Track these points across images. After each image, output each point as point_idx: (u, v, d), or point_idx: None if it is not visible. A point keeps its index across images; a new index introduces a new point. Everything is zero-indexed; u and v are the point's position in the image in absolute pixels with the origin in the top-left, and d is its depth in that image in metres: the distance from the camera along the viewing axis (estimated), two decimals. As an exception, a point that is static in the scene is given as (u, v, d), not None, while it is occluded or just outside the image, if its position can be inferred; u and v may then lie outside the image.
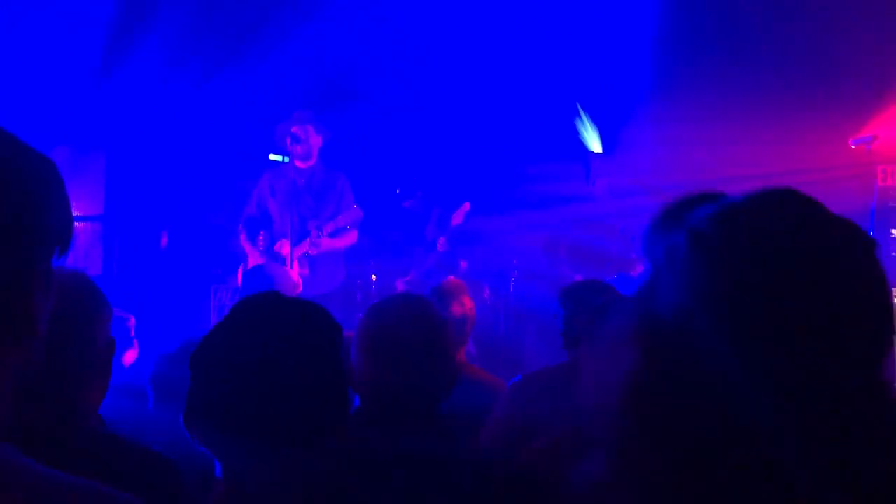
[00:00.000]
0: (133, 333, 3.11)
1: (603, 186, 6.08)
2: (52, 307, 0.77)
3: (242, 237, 5.25)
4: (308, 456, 1.24)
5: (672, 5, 6.11)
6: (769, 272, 0.69)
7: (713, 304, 0.70)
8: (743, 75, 5.97)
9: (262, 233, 5.24)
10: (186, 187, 6.23)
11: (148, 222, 6.23)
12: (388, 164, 6.68)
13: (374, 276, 5.83)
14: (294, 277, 4.30)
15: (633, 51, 6.37)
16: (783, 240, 0.71)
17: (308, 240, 5.02)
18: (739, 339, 0.68)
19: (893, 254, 5.27)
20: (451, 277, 3.69)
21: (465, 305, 3.30)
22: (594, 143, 6.70)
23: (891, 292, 0.74)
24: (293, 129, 5.07)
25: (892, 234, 5.30)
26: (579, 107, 6.70)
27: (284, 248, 5.03)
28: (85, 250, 6.19)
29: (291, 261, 4.94)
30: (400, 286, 5.84)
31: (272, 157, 5.52)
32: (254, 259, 5.12)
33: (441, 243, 6.02)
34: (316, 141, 5.16)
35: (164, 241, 6.15)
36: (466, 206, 6.05)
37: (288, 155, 5.20)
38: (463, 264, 6.03)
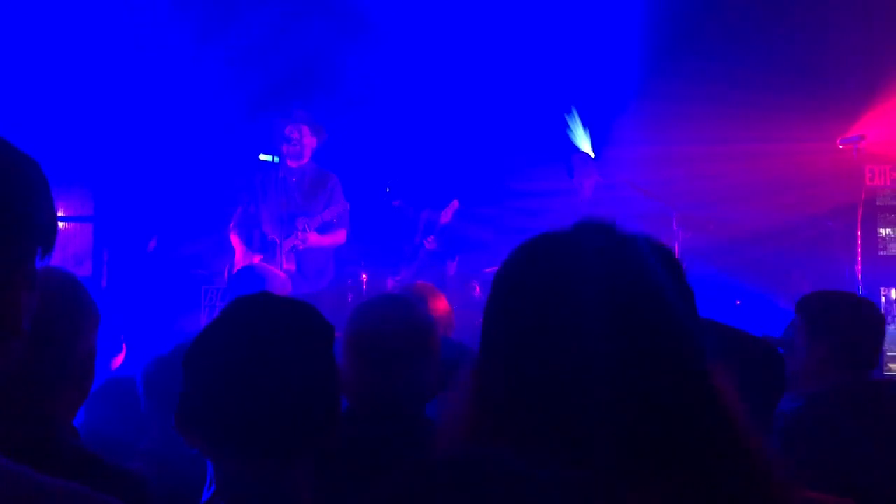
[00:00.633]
0: (122, 337, 3.09)
1: (592, 186, 6.09)
2: (36, 308, 0.77)
3: (232, 236, 5.24)
4: (300, 458, 1.24)
5: (660, 7, 6.14)
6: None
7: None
8: (731, 76, 5.99)
9: (252, 232, 5.23)
10: (177, 187, 6.20)
11: (138, 222, 6.20)
12: (378, 163, 6.67)
13: (364, 276, 5.82)
14: (283, 277, 4.29)
15: (622, 52, 6.39)
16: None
17: (294, 235, 5.01)
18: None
19: (881, 252, 5.30)
20: (419, 282, 3.68)
21: (436, 309, 3.30)
22: (584, 144, 6.72)
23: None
24: (287, 128, 5.06)
25: (879, 233, 5.33)
26: (573, 108, 6.72)
27: (273, 245, 5.02)
28: (75, 251, 6.16)
29: (280, 257, 4.93)
30: (390, 284, 5.84)
31: (262, 157, 5.51)
32: (242, 258, 5.11)
33: (430, 241, 6.03)
34: (310, 141, 5.15)
35: (152, 245, 6.12)
36: (455, 203, 6.06)
37: (280, 154, 5.19)
38: (452, 264, 6.04)
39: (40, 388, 1.36)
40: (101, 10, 5.52)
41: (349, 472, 1.40)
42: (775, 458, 0.85)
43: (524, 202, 6.29)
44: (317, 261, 5.13)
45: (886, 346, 5.15)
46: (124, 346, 3.08)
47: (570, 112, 6.75)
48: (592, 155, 6.60)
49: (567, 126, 6.73)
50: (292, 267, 4.99)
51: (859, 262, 5.15)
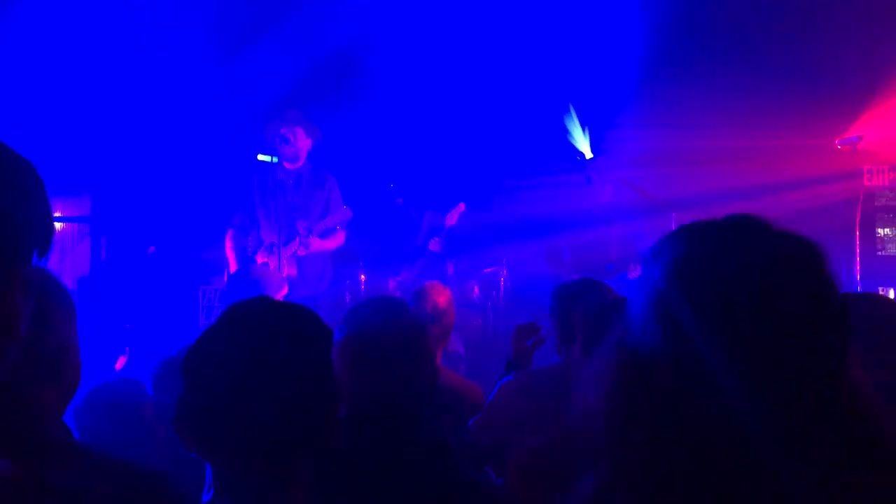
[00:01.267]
0: (126, 339, 3.09)
1: (592, 187, 6.10)
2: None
3: (229, 238, 5.23)
4: (298, 461, 1.24)
5: (660, 6, 6.14)
6: (730, 296, 0.77)
7: (688, 326, 0.77)
8: (730, 76, 5.99)
9: (249, 234, 5.23)
10: (174, 188, 6.20)
11: (135, 223, 6.20)
12: (384, 161, 6.66)
13: (363, 277, 5.81)
14: (278, 280, 4.29)
15: (621, 52, 6.39)
16: (739, 267, 0.78)
17: (297, 240, 5.01)
18: (712, 356, 0.74)
19: (879, 252, 5.31)
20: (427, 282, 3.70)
21: (438, 303, 3.32)
22: (584, 145, 6.72)
23: (837, 300, 0.79)
24: (282, 131, 5.06)
25: (877, 233, 5.34)
26: (571, 108, 6.72)
27: (273, 249, 5.02)
28: (73, 252, 6.15)
29: (280, 262, 4.93)
30: (391, 285, 5.84)
31: (260, 157, 5.50)
32: (238, 260, 5.10)
33: (435, 243, 6.01)
34: (305, 143, 5.15)
35: (151, 250, 6.12)
36: (461, 206, 6.04)
37: (277, 156, 5.19)
38: (450, 268, 6.03)
39: (22, 385, 1.36)
40: (99, 13, 5.52)
41: (347, 475, 1.40)
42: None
43: (524, 202, 6.30)
44: (317, 265, 5.13)
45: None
46: (127, 348, 3.08)
47: (567, 112, 6.76)
48: (589, 155, 6.60)
49: (565, 126, 6.73)
50: (293, 272, 4.98)
51: (858, 262, 5.16)
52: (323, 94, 6.20)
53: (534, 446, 1.90)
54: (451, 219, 6.01)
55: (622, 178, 5.91)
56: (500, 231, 6.09)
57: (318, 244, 5.07)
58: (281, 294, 4.15)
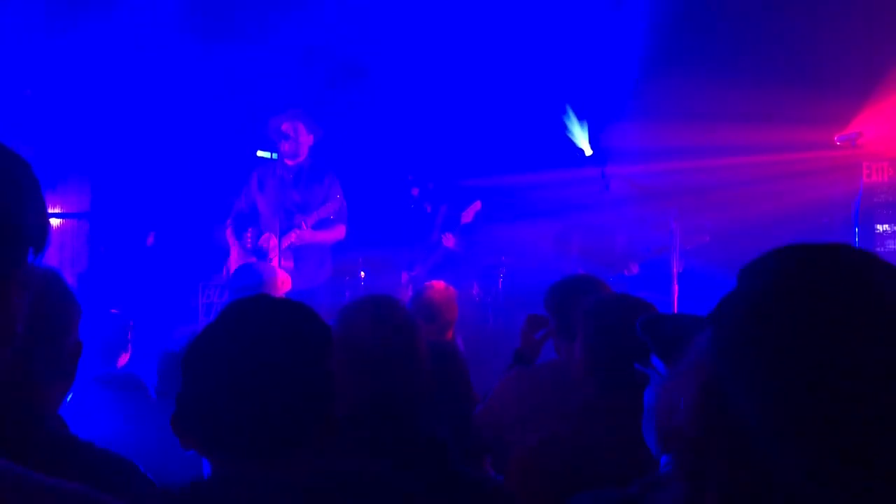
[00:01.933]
0: (130, 336, 3.08)
1: (592, 184, 6.09)
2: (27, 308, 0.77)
3: (229, 233, 5.23)
4: (296, 459, 1.24)
5: (659, 5, 6.13)
6: (816, 332, 0.67)
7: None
8: (729, 73, 5.99)
9: (249, 228, 5.23)
10: (174, 184, 6.19)
11: (135, 219, 6.20)
12: (402, 155, 6.65)
13: (362, 273, 5.81)
14: (282, 275, 4.29)
15: (621, 51, 6.39)
16: (832, 301, 0.68)
17: (291, 232, 5.00)
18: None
19: (879, 249, 5.31)
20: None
21: (434, 300, 3.34)
22: (583, 143, 6.72)
23: None
24: (283, 127, 5.06)
25: (876, 229, 5.34)
26: (568, 107, 6.72)
27: (270, 242, 5.02)
28: (71, 247, 6.15)
29: (278, 255, 4.93)
30: (404, 278, 5.85)
31: (260, 153, 5.50)
32: (237, 255, 5.10)
33: (449, 239, 6.00)
34: (306, 139, 5.14)
35: (150, 240, 6.11)
36: (477, 204, 6.01)
37: (277, 151, 5.19)
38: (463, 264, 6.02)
39: (31, 383, 1.36)
40: (97, 8, 5.50)
41: (344, 475, 1.40)
42: None
43: (525, 200, 6.30)
44: (314, 258, 5.12)
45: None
46: (130, 345, 3.08)
47: (566, 109, 6.76)
48: (589, 152, 6.60)
49: (567, 129, 6.73)
50: (290, 264, 4.98)
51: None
52: (335, 91, 6.21)
53: (535, 444, 1.90)
54: (467, 216, 6.00)
55: (622, 173, 5.91)
56: (507, 224, 6.10)
57: (312, 235, 5.05)
58: (284, 289, 4.15)
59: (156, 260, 6.06)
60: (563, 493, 1.19)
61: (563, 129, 6.74)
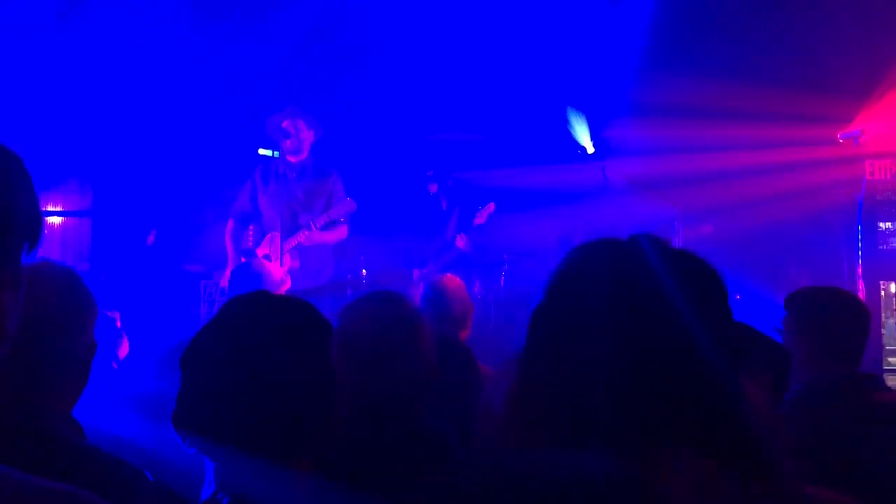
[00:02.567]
0: (119, 326, 3.08)
1: (594, 181, 6.09)
2: (35, 304, 0.76)
3: (229, 231, 5.23)
4: (298, 456, 1.24)
5: (661, 3, 6.12)
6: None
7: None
8: (731, 70, 5.98)
9: (251, 227, 5.23)
10: (175, 182, 6.19)
11: (137, 217, 6.20)
12: (421, 152, 6.65)
13: (364, 271, 5.81)
14: (280, 274, 4.29)
15: (623, 49, 6.38)
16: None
17: (300, 233, 5.01)
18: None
19: (881, 247, 5.30)
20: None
21: (456, 286, 3.35)
22: (585, 140, 6.71)
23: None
24: (283, 124, 5.05)
25: (879, 227, 5.33)
26: (570, 105, 6.71)
27: (274, 241, 5.02)
28: (73, 245, 6.15)
29: (282, 254, 4.92)
30: (416, 275, 5.86)
31: (261, 151, 5.50)
32: (236, 252, 5.10)
33: (462, 240, 6.00)
34: (307, 136, 5.13)
35: (150, 239, 6.11)
36: (491, 207, 6.01)
37: (278, 149, 5.18)
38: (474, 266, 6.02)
39: (39, 382, 1.35)
40: (99, 7, 5.50)
41: (346, 470, 1.40)
42: (785, 453, 0.91)
43: (527, 198, 6.30)
44: (318, 257, 5.13)
45: (885, 340, 5.15)
46: (126, 339, 3.07)
47: (568, 107, 6.75)
48: (591, 150, 6.59)
49: (570, 127, 6.72)
50: (296, 264, 4.98)
51: (860, 257, 5.15)
52: (338, 87, 6.21)
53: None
54: (480, 218, 6.00)
55: (624, 170, 5.91)
56: (509, 222, 6.10)
57: (319, 237, 5.06)
58: (283, 288, 4.15)
59: (158, 258, 6.06)
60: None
61: (565, 126, 6.73)
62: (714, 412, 0.88)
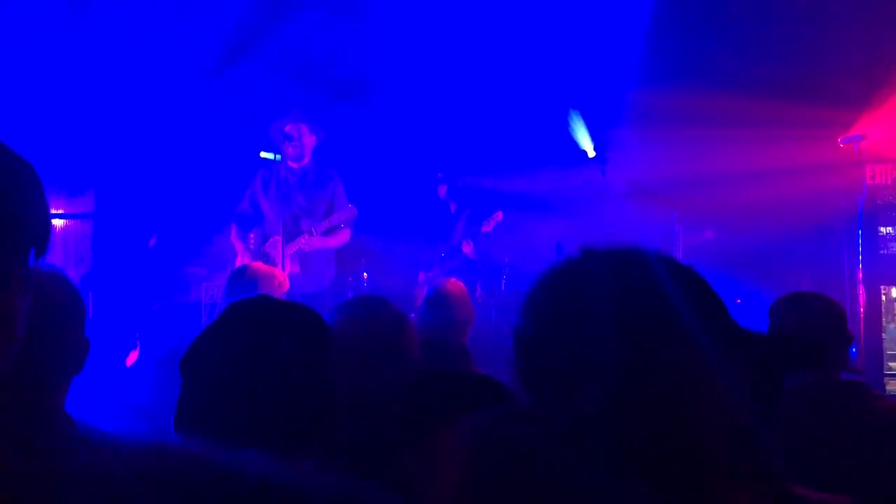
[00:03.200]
0: (137, 335, 3.09)
1: (594, 185, 6.10)
2: (31, 309, 0.77)
3: (233, 234, 5.24)
4: (298, 459, 1.24)
5: (662, 6, 6.13)
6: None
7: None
8: (733, 75, 5.99)
9: (253, 230, 5.23)
10: (177, 185, 6.20)
11: (138, 220, 6.21)
12: (432, 156, 6.66)
13: (365, 275, 5.82)
14: (280, 276, 4.29)
15: (624, 52, 6.39)
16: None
17: (301, 238, 5.01)
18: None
19: (882, 251, 5.30)
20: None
21: (456, 287, 3.36)
22: (586, 144, 6.72)
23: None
24: (286, 128, 5.06)
25: (880, 231, 5.33)
26: (571, 109, 6.72)
27: (276, 246, 5.03)
28: (75, 248, 6.16)
29: (283, 259, 4.93)
30: (421, 278, 5.86)
31: (263, 154, 5.52)
32: (242, 257, 5.11)
33: (468, 246, 6.00)
34: (309, 140, 5.14)
35: (152, 241, 6.12)
36: (499, 215, 6.02)
37: (281, 153, 5.19)
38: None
39: (39, 383, 1.37)
40: (103, 12, 5.51)
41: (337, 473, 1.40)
42: (774, 456, 0.90)
43: (528, 203, 6.31)
44: (319, 262, 5.14)
45: (886, 344, 5.15)
46: (139, 343, 3.08)
47: (569, 112, 6.76)
48: (592, 154, 6.60)
49: (571, 131, 6.73)
50: (297, 269, 4.99)
51: (860, 261, 5.15)
52: (344, 97, 6.24)
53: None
54: (488, 226, 6.01)
55: (625, 174, 5.91)
56: (510, 225, 6.10)
57: (320, 242, 5.07)
58: (282, 292, 4.15)
59: (159, 261, 6.07)
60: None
61: (566, 131, 6.74)
62: (731, 440, 0.91)
